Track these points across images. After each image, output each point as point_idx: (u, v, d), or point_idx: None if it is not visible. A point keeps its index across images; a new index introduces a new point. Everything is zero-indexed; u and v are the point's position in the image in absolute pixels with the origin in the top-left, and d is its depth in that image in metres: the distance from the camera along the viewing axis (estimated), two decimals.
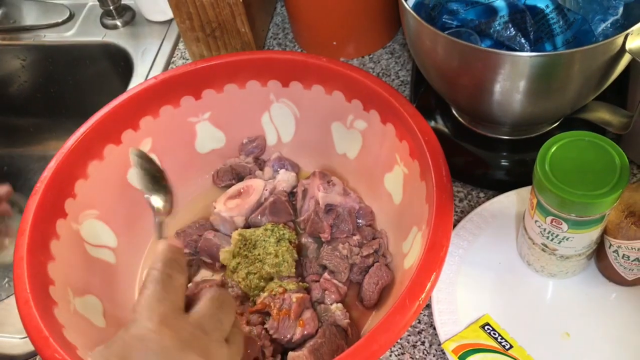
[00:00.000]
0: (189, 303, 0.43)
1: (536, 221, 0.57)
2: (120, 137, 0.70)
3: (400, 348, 0.61)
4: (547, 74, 0.56)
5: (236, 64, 0.71)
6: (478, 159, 0.73)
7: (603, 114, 0.64)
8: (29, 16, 1.07)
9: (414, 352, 0.61)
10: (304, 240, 0.69)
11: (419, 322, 0.62)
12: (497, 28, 0.60)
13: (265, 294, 0.62)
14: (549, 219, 0.55)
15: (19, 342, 0.66)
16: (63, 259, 0.62)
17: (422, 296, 0.50)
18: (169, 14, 0.95)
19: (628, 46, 0.54)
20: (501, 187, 0.70)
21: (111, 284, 0.67)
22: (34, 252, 0.59)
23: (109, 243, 0.69)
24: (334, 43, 0.87)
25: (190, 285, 0.66)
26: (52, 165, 0.64)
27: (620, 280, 0.61)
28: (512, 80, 0.58)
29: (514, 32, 0.59)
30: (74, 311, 0.60)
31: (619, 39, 0.53)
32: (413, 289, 0.50)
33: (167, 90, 0.71)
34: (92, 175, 0.68)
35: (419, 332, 0.62)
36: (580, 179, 0.51)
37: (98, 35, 1.02)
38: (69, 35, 1.04)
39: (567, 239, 0.56)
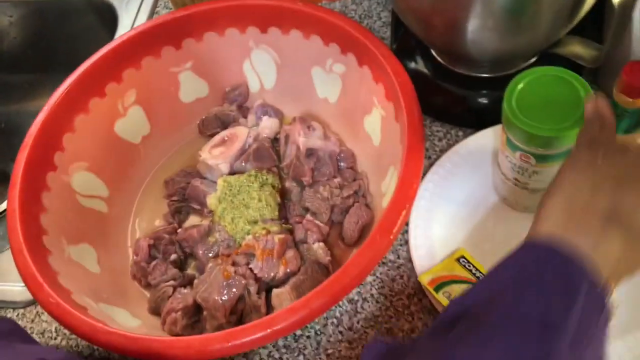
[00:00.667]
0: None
1: (507, 156, 0.59)
2: (104, 89, 0.71)
3: (380, 282, 0.64)
4: (517, 8, 0.57)
5: (213, 11, 0.72)
6: (457, 97, 0.74)
7: (576, 48, 0.65)
8: None
9: (392, 285, 0.63)
10: (287, 184, 0.71)
11: (398, 257, 0.65)
12: None
13: (250, 236, 0.64)
14: (517, 153, 0.57)
15: (20, 290, 0.70)
16: (55, 210, 0.65)
17: (394, 231, 0.52)
18: None
19: None
20: (480, 125, 0.71)
21: (104, 232, 0.70)
22: (25, 204, 0.61)
23: (100, 193, 0.71)
24: None
25: (179, 230, 0.69)
26: (38, 120, 0.66)
27: None
28: (483, 17, 0.58)
29: None
30: (68, 259, 0.63)
31: None
32: (384, 224, 0.53)
33: (148, 41, 0.72)
34: (79, 128, 0.69)
35: (398, 267, 0.65)
36: (547, 114, 0.53)
37: None
38: None
39: (536, 173, 0.58)
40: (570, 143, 0.54)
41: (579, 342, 0.38)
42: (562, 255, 0.41)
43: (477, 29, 0.60)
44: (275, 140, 0.75)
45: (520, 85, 0.54)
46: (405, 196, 0.54)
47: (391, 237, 0.52)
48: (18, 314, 0.70)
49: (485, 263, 0.62)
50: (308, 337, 0.62)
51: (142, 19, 0.94)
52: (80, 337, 0.53)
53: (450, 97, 0.74)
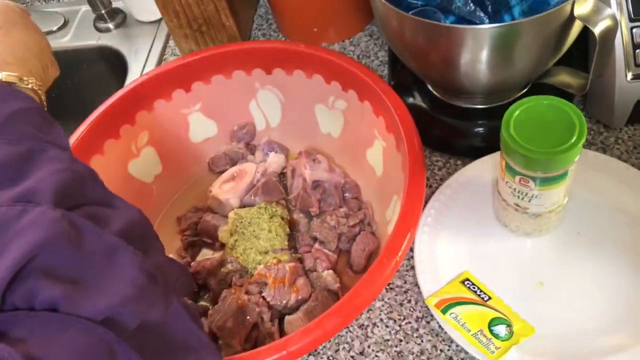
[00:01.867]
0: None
1: (507, 182, 0.62)
2: (118, 131, 0.75)
3: (389, 307, 0.66)
4: (505, 43, 0.61)
5: (221, 55, 0.76)
6: (455, 128, 0.77)
7: (564, 77, 0.69)
8: None
9: (401, 309, 0.66)
10: (295, 216, 0.74)
11: (405, 282, 0.67)
12: (459, 4, 0.65)
13: (262, 266, 0.67)
14: (517, 178, 0.60)
15: None
16: None
17: (399, 254, 0.55)
18: (157, 13, 1.00)
19: (576, 12, 0.58)
20: (477, 154, 0.74)
21: None
22: None
23: None
24: (315, 29, 0.92)
25: (193, 264, 0.71)
26: None
27: None
28: (475, 52, 0.63)
29: (473, 7, 0.64)
30: None
31: (567, 6, 0.58)
32: (390, 248, 0.55)
33: (159, 85, 0.76)
34: (95, 168, 0.71)
35: (405, 292, 0.67)
36: (543, 139, 0.56)
37: (92, 39, 1.07)
38: (65, 41, 1.09)
39: (535, 197, 0.61)
40: (566, 165, 0.57)
41: None
42: None
43: (470, 62, 0.64)
44: (281, 174, 0.79)
45: (517, 113, 0.57)
46: (409, 221, 0.57)
47: (397, 259, 0.55)
48: None
49: (489, 283, 0.64)
50: None
51: (151, 65, 0.99)
52: None
53: (447, 129, 0.77)
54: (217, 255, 0.71)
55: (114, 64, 1.06)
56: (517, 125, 0.57)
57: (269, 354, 0.51)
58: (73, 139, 0.71)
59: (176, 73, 0.76)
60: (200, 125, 0.80)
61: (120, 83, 1.01)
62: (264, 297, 0.64)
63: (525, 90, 0.75)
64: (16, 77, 0.47)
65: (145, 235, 0.42)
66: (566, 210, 0.65)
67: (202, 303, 0.70)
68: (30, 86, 0.48)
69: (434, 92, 0.79)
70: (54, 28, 1.10)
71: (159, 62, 1.00)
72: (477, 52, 0.62)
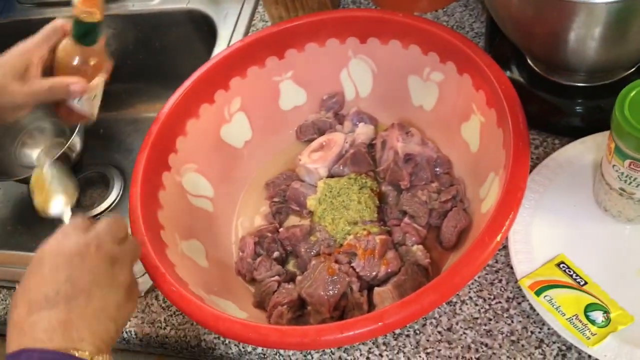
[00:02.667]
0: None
1: (614, 165, 0.59)
2: (213, 96, 0.76)
3: (478, 285, 0.65)
4: (623, 20, 0.58)
5: (316, 23, 0.75)
6: (553, 106, 0.74)
7: None
8: None
9: (491, 289, 0.65)
10: (384, 188, 0.74)
11: (496, 262, 0.66)
12: None
13: (351, 236, 0.67)
14: (627, 162, 0.57)
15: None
16: (170, 207, 0.69)
17: (501, 233, 0.54)
18: None
19: None
20: (576, 134, 0.71)
21: (211, 229, 0.74)
22: (145, 200, 0.66)
23: (207, 193, 0.76)
24: None
25: (281, 230, 0.72)
26: (156, 124, 0.71)
27: None
28: (587, 28, 0.59)
29: None
30: (182, 253, 0.68)
31: None
32: (492, 227, 0.54)
33: (254, 52, 0.76)
34: (190, 132, 0.74)
35: (496, 271, 0.66)
36: None
37: (182, 2, 1.08)
38: (155, 3, 1.10)
39: None
40: None
41: None
42: None
43: (579, 38, 0.61)
44: (370, 146, 0.78)
45: (632, 94, 0.55)
46: (512, 200, 0.55)
47: (499, 238, 0.54)
48: None
49: (585, 267, 0.62)
50: (407, 335, 0.64)
51: (240, 31, 0.99)
52: (201, 324, 0.57)
53: (545, 106, 0.75)
54: (306, 223, 0.72)
55: (202, 28, 1.07)
56: (633, 106, 0.54)
57: (365, 325, 0.52)
58: (171, 102, 0.73)
59: (270, 40, 0.76)
60: (290, 93, 0.81)
61: (209, 47, 1.02)
62: (353, 267, 0.65)
63: (633, 70, 0.72)
64: (87, 356, 0.47)
65: None
66: None
67: (290, 268, 0.71)
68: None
69: (534, 67, 0.76)
70: None
71: (248, 28, 1.00)
72: (590, 28, 0.59)
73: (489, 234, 0.54)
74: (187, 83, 0.74)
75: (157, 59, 1.18)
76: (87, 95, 0.66)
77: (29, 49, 0.62)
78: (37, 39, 0.62)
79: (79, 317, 0.48)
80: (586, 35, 0.60)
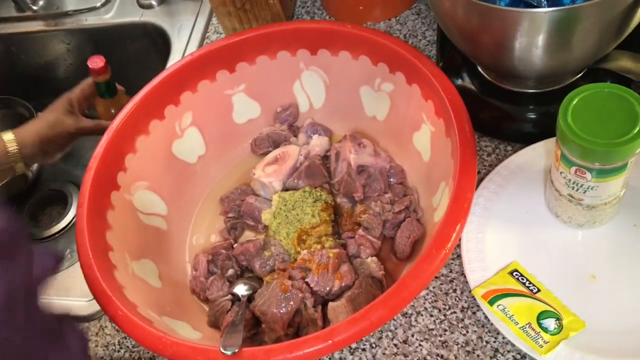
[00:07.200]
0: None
1: (561, 172, 0.60)
2: (163, 112, 0.75)
3: (433, 296, 0.65)
4: (564, 28, 0.58)
5: (266, 36, 0.75)
6: (505, 113, 0.75)
7: (624, 62, 0.65)
8: (70, 2, 1.13)
9: (446, 299, 0.64)
10: (339, 200, 0.73)
11: (450, 272, 0.66)
12: None
13: (305, 250, 0.66)
14: (573, 169, 0.57)
15: (84, 304, 0.73)
16: (120, 227, 0.68)
17: (448, 245, 0.54)
18: None
19: None
20: (528, 140, 0.72)
21: (164, 248, 0.73)
22: (92, 222, 0.65)
23: (160, 211, 0.74)
24: (361, 8, 0.90)
25: (235, 245, 0.71)
26: (102, 142, 0.70)
27: None
28: (531, 36, 0.60)
29: None
30: (132, 274, 0.66)
31: None
32: (439, 239, 0.54)
33: (204, 66, 0.75)
34: (140, 149, 0.73)
35: (451, 281, 0.66)
36: (602, 129, 0.53)
37: (135, 16, 1.07)
38: (109, 17, 1.09)
39: (591, 188, 0.58)
40: (626, 157, 0.54)
41: None
42: None
43: (525, 47, 0.62)
44: (325, 157, 0.77)
45: (575, 101, 0.55)
46: (459, 211, 0.55)
47: (446, 250, 0.53)
48: (82, 328, 0.73)
49: (538, 274, 0.62)
50: (363, 349, 0.63)
51: (194, 44, 0.98)
52: (148, 349, 0.56)
53: (497, 113, 0.75)
54: (260, 237, 0.71)
55: (157, 41, 1.05)
56: (576, 113, 0.55)
57: (315, 343, 0.51)
58: (119, 119, 0.71)
59: (220, 54, 0.75)
60: (243, 106, 0.80)
61: (163, 60, 1.01)
62: (307, 283, 0.64)
63: (581, 74, 0.72)
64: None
65: (12, 241, 0.41)
66: (622, 202, 0.63)
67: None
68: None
69: (485, 75, 0.76)
70: (98, 4, 1.10)
71: (202, 40, 0.99)
72: (534, 36, 0.60)
73: (436, 246, 0.53)
74: (135, 99, 0.72)
75: (113, 73, 1.15)
76: None
77: (71, 96, 0.80)
78: (77, 90, 0.82)
79: None
80: (530, 44, 0.61)
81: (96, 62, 0.79)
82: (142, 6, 1.07)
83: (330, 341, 0.51)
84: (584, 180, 0.57)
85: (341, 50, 0.74)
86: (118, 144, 0.70)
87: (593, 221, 0.64)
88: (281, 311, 0.61)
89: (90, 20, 1.09)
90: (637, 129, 0.52)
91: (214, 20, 1.01)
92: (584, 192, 0.59)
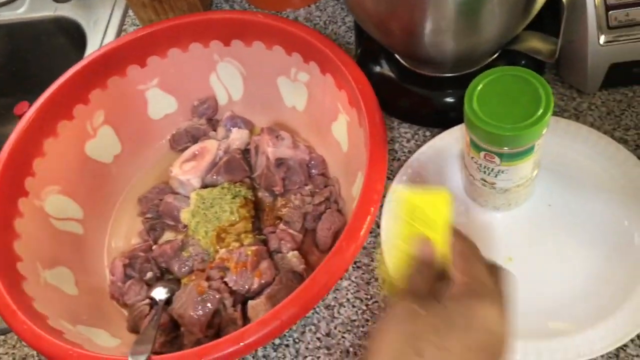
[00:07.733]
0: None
1: (472, 157, 0.59)
2: (72, 112, 0.71)
3: (355, 286, 0.65)
4: (470, 9, 0.58)
5: (176, 27, 0.72)
6: (423, 98, 0.74)
7: (534, 43, 0.66)
8: None
9: (368, 289, 0.64)
10: (260, 194, 0.72)
11: (372, 260, 0.66)
12: None
13: (224, 249, 0.65)
14: (482, 154, 0.57)
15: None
16: (29, 236, 0.65)
17: (360, 235, 0.53)
18: None
19: None
20: (448, 124, 0.71)
21: (80, 254, 0.70)
22: None
23: (74, 215, 0.71)
24: None
25: (154, 247, 0.69)
26: (6, 146, 0.66)
27: None
28: (438, 20, 0.59)
29: None
30: (45, 283, 0.63)
31: None
32: (349, 231, 0.53)
33: (112, 62, 0.72)
34: (49, 152, 0.70)
35: (372, 270, 0.65)
36: (508, 113, 0.53)
37: (49, 10, 1.02)
38: (21, 12, 1.03)
39: (502, 172, 0.58)
40: (532, 140, 0.55)
41: None
42: None
43: (432, 31, 0.61)
44: (246, 151, 0.76)
45: (480, 87, 0.55)
46: (369, 200, 0.55)
47: (358, 242, 0.53)
48: None
49: None
50: (287, 345, 0.63)
51: (110, 37, 0.94)
52: None
53: (416, 99, 0.75)
54: (179, 237, 0.69)
55: (73, 36, 1.01)
56: (481, 99, 0.55)
57: (226, 347, 0.50)
58: (23, 122, 0.68)
59: (129, 48, 0.72)
60: (159, 101, 0.77)
61: (80, 56, 0.96)
62: (225, 283, 0.62)
63: (496, 56, 0.72)
64: None
65: None
66: (537, 182, 0.63)
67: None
68: None
69: (402, 61, 0.75)
70: None
71: (119, 33, 0.95)
72: (440, 20, 0.59)
73: (347, 240, 0.53)
74: (39, 101, 0.69)
75: (31, 71, 1.11)
76: None
77: None
78: None
79: None
80: (439, 28, 0.60)
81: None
82: (56, 0, 1.03)
83: (241, 344, 0.50)
84: (493, 164, 0.57)
85: (255, 40, 0.72)
86: (23, 149, 0.67)
87: (508, 203, 0.64)
88: (198, 314, 0.60)
89: (2, 16, 1.04)
90: (541, 111, 0.53)
91: (131, 12, 0.97)
92: (495, 175, 0.59)
